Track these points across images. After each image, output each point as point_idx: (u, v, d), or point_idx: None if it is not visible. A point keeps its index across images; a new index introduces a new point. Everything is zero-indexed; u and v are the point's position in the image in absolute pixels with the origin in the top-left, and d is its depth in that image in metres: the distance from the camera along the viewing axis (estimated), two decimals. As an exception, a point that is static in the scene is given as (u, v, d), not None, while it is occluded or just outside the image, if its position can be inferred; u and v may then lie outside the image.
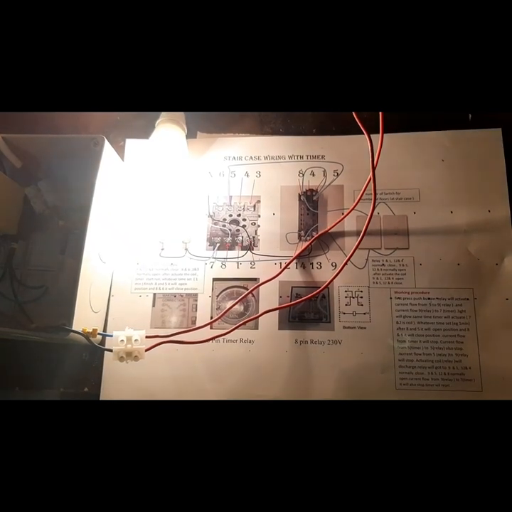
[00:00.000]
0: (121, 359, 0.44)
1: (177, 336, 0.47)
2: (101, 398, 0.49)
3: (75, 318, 0.44)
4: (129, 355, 0.44)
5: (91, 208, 0.47)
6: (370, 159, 0.46)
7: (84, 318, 0.47)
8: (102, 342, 0.50)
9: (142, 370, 0.49)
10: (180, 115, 0.55)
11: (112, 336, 0.45)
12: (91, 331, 0.44)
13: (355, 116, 0.45)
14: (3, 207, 0.50)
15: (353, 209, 0.52)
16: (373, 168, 0.46)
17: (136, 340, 0.44)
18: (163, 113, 0.55)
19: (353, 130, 0.55)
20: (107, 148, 0.50)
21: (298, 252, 0.52)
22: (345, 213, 0.52)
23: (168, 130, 0.54)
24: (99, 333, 0.45)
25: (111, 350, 0.44)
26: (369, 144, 0.45)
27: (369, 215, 0.48)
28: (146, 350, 0.45)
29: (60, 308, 0.45)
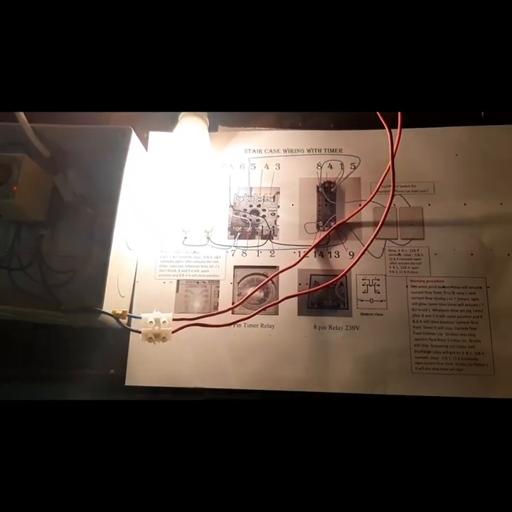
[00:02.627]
0: (149, 340, 0.46)
1: (201, 319, 0.50)
2: (126, 379, 0.51)
3: (104, 301, 0.46)
4: (157, 337, 0.46)
5: (119, 198, 0.49)
6: (390, 153, 0.48)
7: (113, 302, 0.48)
8: (129, 325, 0.52)
9: (166, 352, 0.51)
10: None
11: (140, 317, 0.46)
12: (120, 312, 0.46)
13: (378, 114, 0.47)
14: (33, 194, 0.52)
15: (370, 201, 0.54)
16: (392, 162, 0.48)
17: (164, 322, 0.46)
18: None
19: (369, 125, 0.57)
20: (134, 140, 0.52)
21: (316, 241, 0.54)
22: (362, 205, 0.54)
23: (192, 123, 0.56)
24: (128, 315, 0.47)
25: (139, 332, 0.46)
26: (389, 139, 0.47)
27: (387, 206, 0.50)
28: (173, 332, 0.47)
29: (90, 291, 0.47)
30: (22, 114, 0.48)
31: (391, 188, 0.49)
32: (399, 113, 0.48)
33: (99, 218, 0.51)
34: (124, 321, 0.48)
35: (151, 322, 0.46)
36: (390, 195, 0.49)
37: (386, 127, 0.47)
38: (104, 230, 0.48)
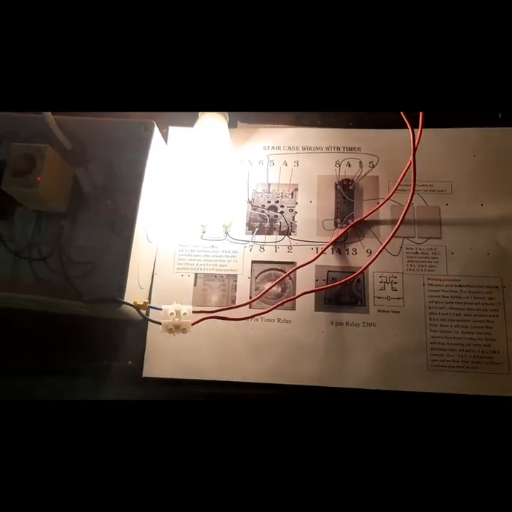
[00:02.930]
0: (170, 331, 0.46)
1: (219, 313, 0.50)
2: (144, 371, 0.51)
3: (125, 292, 0.47)
4: (177, 328, 0.46)
5: (141, 191, 0.49)
6: (412, 152, 0.48)
7: (133, 293, 0.49)
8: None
9: (184, 344, 0.51)
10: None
11: (161, 309, 0.47)
12: (141, 303, 0.47)
13: (402, 114, 0.48)
14: (55, 185, 0.52)
15: (388, 199, 0.54)
16: (414, 160, 0.49)
17: (184, 313, 0.46)
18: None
19: (387, 124, 0.58)
20: (156, 133, 0.52)
21: (334, 238, 0.54)
22: (380, 203, 0.55)
23: (212, 120, 0.56)
24: (149, 306, 0.47)
25: (160, 323, 0.47)
26: (411, 138, 0.48)
27: (406, 205, 0.50)
28: (193, 324, 0.47)
29: (111, 282, 0.48)
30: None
31: (411, 186, 0.49)
32: (420, 113, 0.48)
33: (120, 210, 0.51)
34: (144, 312, 0.48)
35: (171, 313, 0.46)
36: (411, 194, 0.49)
37: (409, 126, 0.48)
38: (126, 222, 0.49)
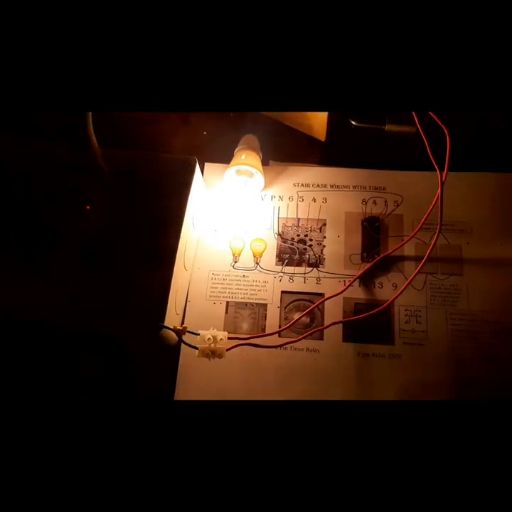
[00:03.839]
0: (207, 356, 0.48)
1: (250, 340, 0.52)
2: (176, 394, 0.53)
3: (166, 316, 0.49)
4: (214, 354, 0.48)
5: (183, 221, 0.52)
6: (440, 191, 0.52)
7: (170, 319, 0.51)
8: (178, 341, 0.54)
9: (215, 370, 0.53)
10: (256, 144, 0.62)
11: (198, 334, 0.49)
12: (180, 328, 0.49)
13: (431, 157, 0.52)
14: (102, 214, 0.55)
15: (412, 237, 0.57)
16: (441, 201, 0.52)
17: (221, 339, 0.49)
18: (241, 142, 0.62)
19: (410, 166, 0.62)
20: (197, 169, 0.56)
21: (361, 271, 0.57)
22: (404, 240, 0.57)
23: (248, 157, 0.60)
24: (188, 331, 0.49)
25: (196, 348, 0.49)
26: (439, 178, 0.51)
27: (432, 243, 0.53)
28: (227, 350, 0.49)
29: (150, 307, 0.50)
30: (93, 138, 0.52)
31: (438, 226, 0.52)
32: (446, 161, 0.52)
33: (162, 239, 0.54)
34: (174, 338, 0.50)
35: (209, 339, 0.48)
36: (436, 233, 0.52)
37: (436, 168, 0.51)
38: (168, 250, 0.52)
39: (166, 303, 0.49)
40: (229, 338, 0.50)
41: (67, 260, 0.55)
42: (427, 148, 0.51)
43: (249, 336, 0.53)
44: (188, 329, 0.50)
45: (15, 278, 0.53)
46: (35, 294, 0.52)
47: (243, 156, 0.59)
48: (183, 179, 0.54)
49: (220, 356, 0.49)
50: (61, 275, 0.54)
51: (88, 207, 0.51)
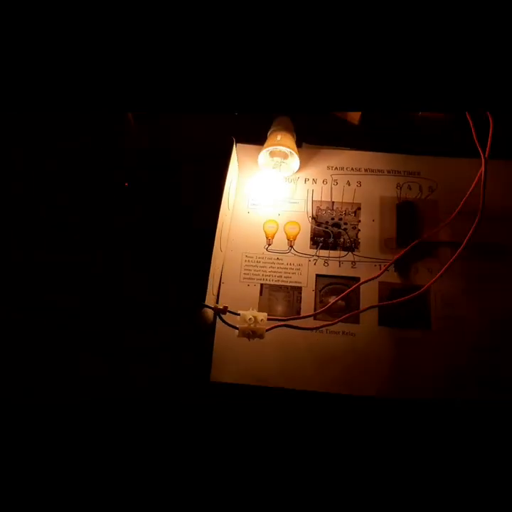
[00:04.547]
0: (247, 336, 0.48)
1: (288, 322, 0.52)
2: (212, 375, 0.52)
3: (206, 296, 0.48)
4: (254, 334, 0.48)
5: (221, 204, 0.51)
6: (483, 179, 0.52)
7: (208, 299, 0.50)
8: (214, 321, 0.54)
9: (250, 351, 0.52)
10: (291, 126, 0.61)
11: (238, 314, 0.48)
12: (221, 307, 0.48)
13: (476, 142, 0.51)
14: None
15: (448, 222, 0.57)
16: (484, 188, 0.52)
17: (261, 319, 0.48)
18: (275, 123, 0.61)
19: (443, 152, 0.61)
20: (234, 150, 0.55)
21: (396, 256, 0.56)
22: (440, 225, 0.57)
23: (282, 138, 0.59)
24: (228, 311, 0.49)
25: (236, 328, 0.48)
26: (482, 165, 0.51)
27: (471, 229, 0.53)
28: (267, 331, 0.49)
29: (190, 288, 0.49)
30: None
31: (479, 212, 0.52)
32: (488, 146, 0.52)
33: (200, 222, 0.53)
34: (210, 317, 0.50)
35: (250, 319, 0.48)
36: (477, 219, 0.52)
37: (481, 153, 0.51)
38: (206, 231, 0.51)
39: (207, 282, 0.48)
40: (270, 319, 0.50)
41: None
42: (473, 134, 0.51)
43: (285, 318, 0.52)
44: (228, 309, 0.49)
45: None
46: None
47: (279, 137, 0.58)
48: (222, 159, 0.53)
49: (261, 336, 0.48)
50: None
51: (126, 184, 0.50)
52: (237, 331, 0.48)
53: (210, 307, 0.47)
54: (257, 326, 0.48)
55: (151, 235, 0.52)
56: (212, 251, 0.49)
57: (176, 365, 0.51)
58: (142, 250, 0.51)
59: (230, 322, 0.49)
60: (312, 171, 0.61)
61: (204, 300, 0.47)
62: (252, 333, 0.48)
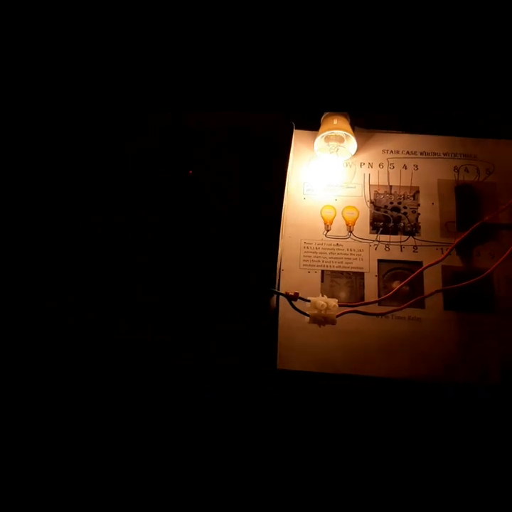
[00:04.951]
0: (319, 323, 0.47)
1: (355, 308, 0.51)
2: (278, 363, 0.52)
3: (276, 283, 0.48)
4: (326, 320, 0.47)
5: (285, 191, 0.51)
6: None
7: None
8: (277, 306, 0.53)
9: (315, 338, 0.52)
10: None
11: (309, 301, 0.48)
12: (292, 294, 0.48)
13: None
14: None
15: (508, 205, 0.56)
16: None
17: (333, 306, 0.48)
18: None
19: (499, 134, 0.60)
20: (293, 135, 0.54)
21: (458, 239, 0.56)
22: (501, 208, 0.56)
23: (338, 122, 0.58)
24: (299, 298, 0.48)
25: (307, 315, 0.48)
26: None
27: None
28: (337, 317, 0.48)
29: (260, 275, 0.49)
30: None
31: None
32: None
33: (266, 210, 0.52)
34: (273, 304, 0.49)
35: (322, 305, 0.47)
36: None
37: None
38: (272, 218, 0.50)
39: (276, 269, 0.48)
40: (341, 305, 0.49)
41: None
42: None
43: (353, 303, 0.52)
44: (299, 296, 0.49)
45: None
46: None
47: (335, 121, 0.57)
48: (283, 145, 0.53)
49: (333, 322, 0.48)
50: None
51: (190, 171, 0.49)
52: (307, 317, 0.48)
53: (281, 294, 0.47)
54: (328, 313, 0.48)
55: (215, 226, 0.51)
56: (279, 238, 0.49)
57: (244, 353, 0.51)
58: (206, 241, 0.51)
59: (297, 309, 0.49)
60: (367, 155, 0.61)
61: (274, 287, 0.47)
62: (323, 320, 0.47)
